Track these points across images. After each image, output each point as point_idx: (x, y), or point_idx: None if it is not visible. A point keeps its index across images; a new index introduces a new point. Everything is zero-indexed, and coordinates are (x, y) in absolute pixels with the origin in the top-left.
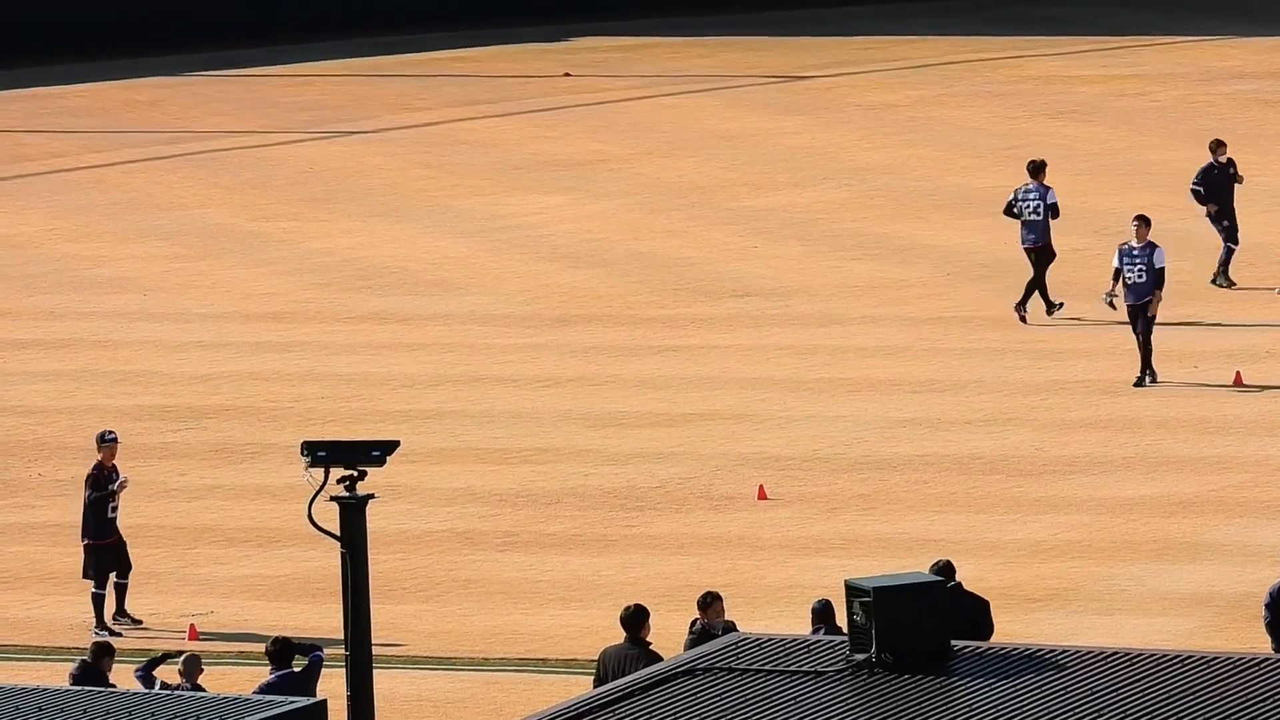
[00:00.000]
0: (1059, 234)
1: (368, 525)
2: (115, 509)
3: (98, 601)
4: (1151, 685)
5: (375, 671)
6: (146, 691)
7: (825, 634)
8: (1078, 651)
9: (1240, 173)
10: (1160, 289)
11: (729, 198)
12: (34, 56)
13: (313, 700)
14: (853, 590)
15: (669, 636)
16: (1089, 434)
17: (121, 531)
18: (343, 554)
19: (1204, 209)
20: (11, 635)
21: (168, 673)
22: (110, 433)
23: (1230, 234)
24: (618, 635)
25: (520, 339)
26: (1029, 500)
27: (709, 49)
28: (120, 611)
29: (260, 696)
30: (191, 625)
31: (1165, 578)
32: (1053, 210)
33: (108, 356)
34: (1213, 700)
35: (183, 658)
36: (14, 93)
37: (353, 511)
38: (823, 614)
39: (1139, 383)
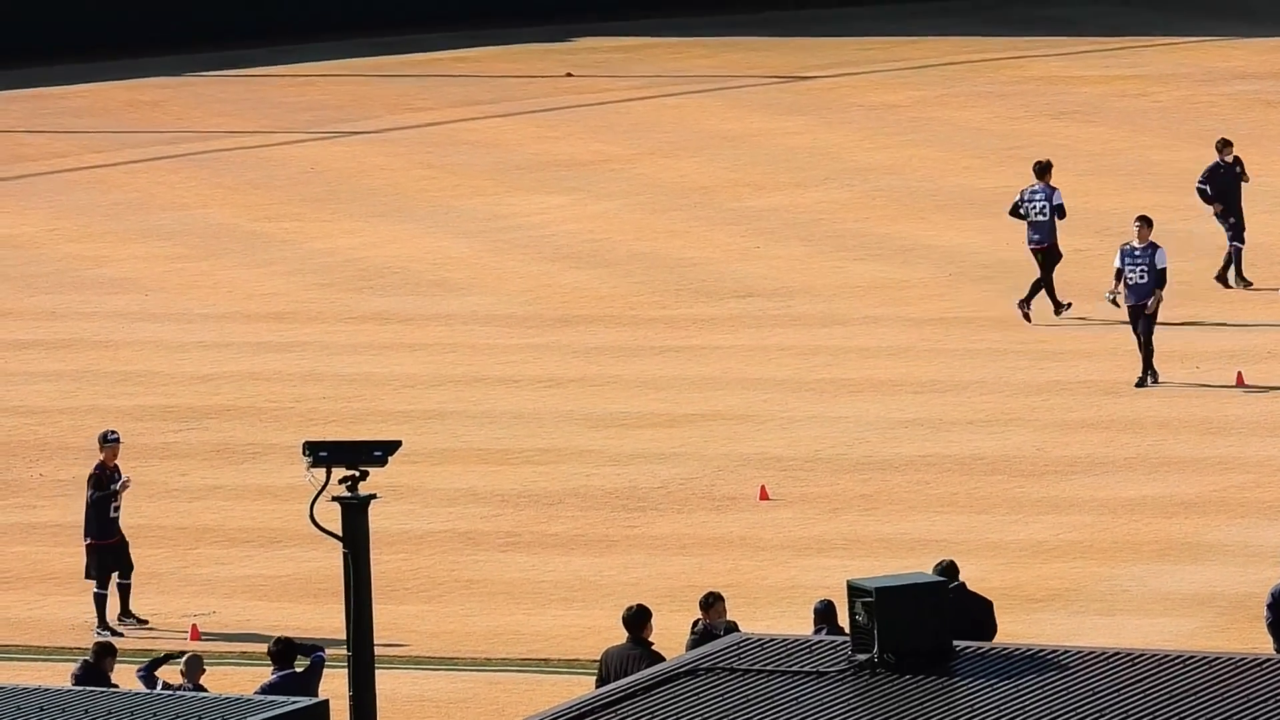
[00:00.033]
0: (1063, 234)
1: (370, 525)
2: (118, 509)
3: (100, 602)
4: (1153, 686)
5: (377, 672)
6: (148, 692)
7: (827, 634)
8: (1079, 652)
9: (1247, 172)
10: (1161, 289)
11: (731, 198)
12: (35, 56)
13: (315, 701)
14: (855, 590)
15: (671, 637)
16: (1091, 434)
17: (124, 531)
18: (345, 554)
19: (1210, 207)
20: (13, 635)
21: (170, 673)
22: (113, 433)
23: (1236, 232)
24: (620, 635)
25: (522, 339)
26: (1031, 501)
27: (710, 49)
28: (125, 612)
29: (262, 697)
30: (193, 625)
31: (1167, 578)
32: (1058, 211)
33: (109, 357)
34: (1214, 701)
35: (185, 658)
36: (15, 93)
37: (354, 512)
38: (825, 614)
39: (1141, 383)
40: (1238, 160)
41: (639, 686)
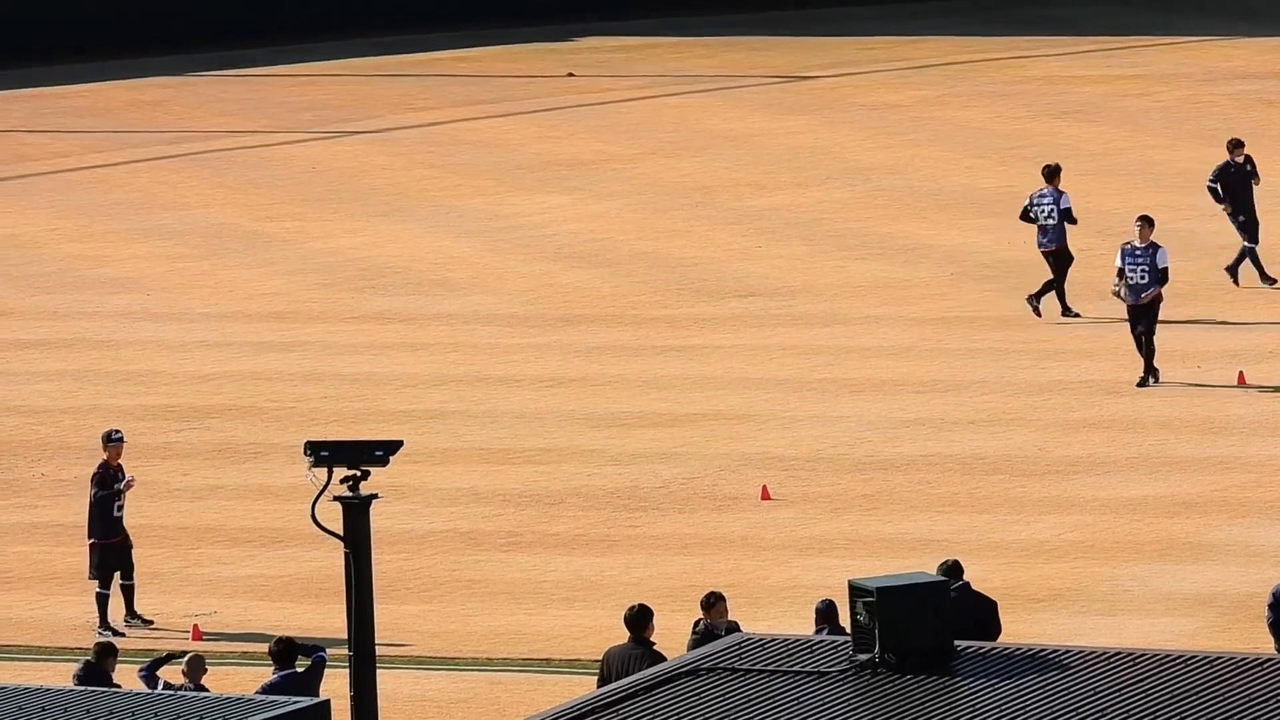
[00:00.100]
0: (1066, 235)
1: (371, 525)
2: (121, 508)
3: (102, 602)
4: (1155, 685)
5: (379, 672)
6: (150, 692)
7: (829, 634)
8: (1081, 652)
9: (1259, 172)
10: (1162, 288)
11: (732, 197)
12: (36, 56)
13: (316, 700)
14: (856, 590)
15: (672, 637)
16: (1092, 434)
17: (127, 531)
18: (346, 554)
19: (1220, 206)
20: (14, 635)
21: (171, 673)
22: (116, 432)
23: (1247, 231)
24: (621, 635)
25: (523, 339)
26: (1032, 500)
27: (712, 49)
28: (130, 613)
29: (263, 697)
30: (195, 625)
31: (1168, 578)
32: (1066, 216)
33: (110, 356)
34: (1216, 700)
35: (186, 658)
36: (16, 92)
37: (356, 511)
38: (826, 614)
39: (1142, 383)
40: (1249, 160)
41: (640, 686)
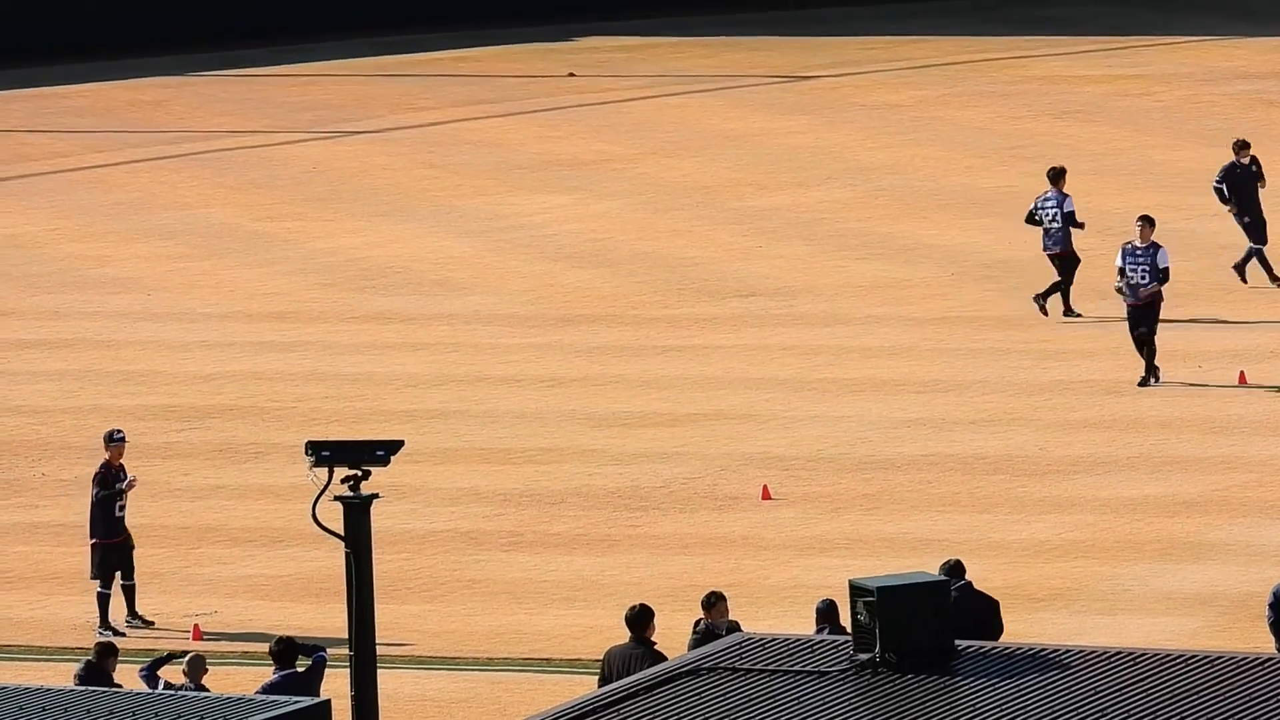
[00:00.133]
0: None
1: (372, 525)
2: (123, 508)
3: (103, 601)
4: (1155, 685)
5: (379, 671)
6: (150, 692)
7: (829, 634)
8: (1081, 651)
9: (1264, 174)
10: (1161, 287)
11: (733, 197)
12: (37, 56)
13: (316, 700)
14: (857, 590)
15: (673, 636)
16: (1093, 434)
17: (129, 531)
18: (347, 554)
19: (1226, 207)
20: (15, 635)
21: (172, 673)
22: (119, 432)
23: (1253, 232)
24: (622, 635)
25: (524, 339)
26: (1033, 500)
27: (712, 49)
28: (132, 613)
29: (264, 697)
30: (195, 625)
31: (1169, 577)
32: (1069, 219)
33: (111, 356)
34: (1216, 700)
35: (187, 658)
36: (17, 92)
37: (357, 511)
38: (827, 614)
39: (1143, 382)
40: (1255, 161)
41: (641, 686)
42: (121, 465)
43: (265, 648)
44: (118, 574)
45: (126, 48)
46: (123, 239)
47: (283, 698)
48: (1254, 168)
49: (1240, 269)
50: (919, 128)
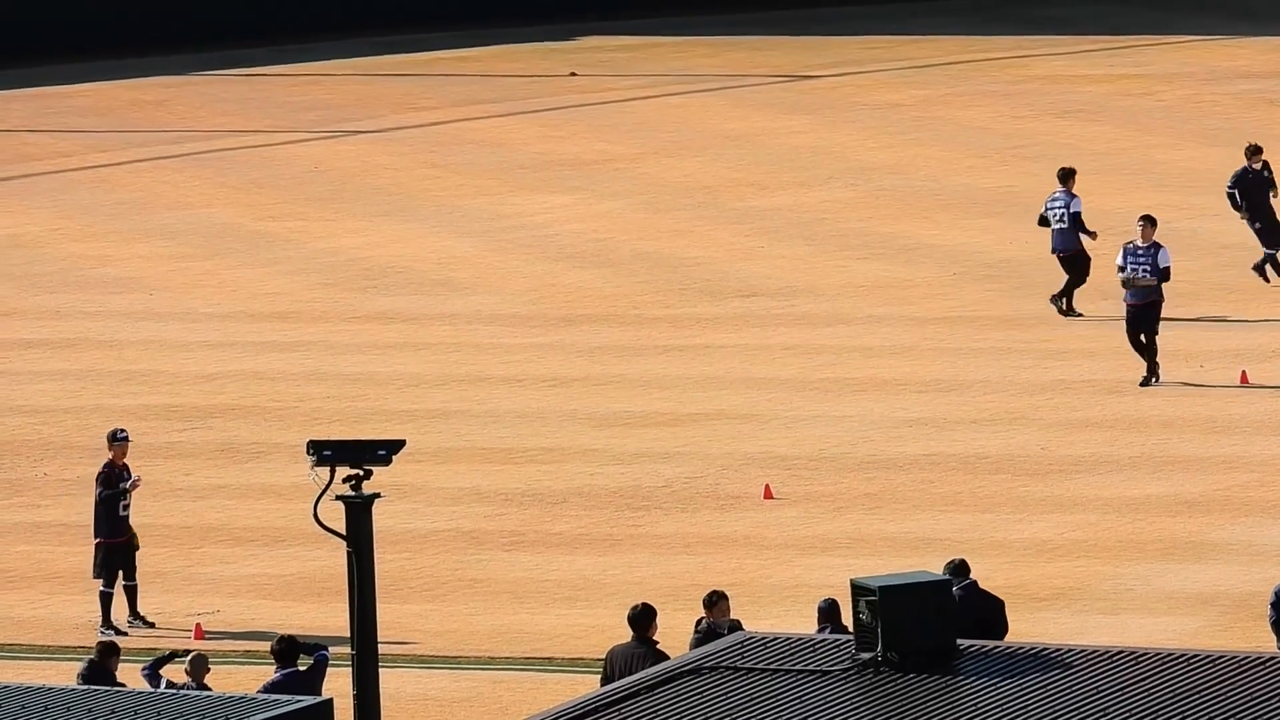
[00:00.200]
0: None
1: (373, 524)
2: (127, 507)
3: (106, 600)
4: (1157, 684)
5: (381, 670)
6: (152, 691)
7: (831, 633)
8: (1083, 651)
9: (1276, 179)
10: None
11: (734, 197)
12: (38, 56)
13: (318, 699)
14: (858, 589)
15: (675, 635)
16: (1095, 433)
17: (134, 530)
18: (348, 553)
19: (1238, 214)
20: (17, 634)
21: (174, 672)
22: (122, 431)
23: (1266, 237)
24: (623, 634)
25: (526, 339)
26: (1035, 500)
27: (714, 49)
28: (133, 614)
29: (266, 696)
30: (197, 624)
31: (1171, 577)
32: (1075, 219)
33: (113, 356)
34: (1218, 699)
35: (189, 657)
36: (18, 92)
37: (358, 511)
38: (829, 613)
39: (1145, 382)
40: (1266, 166)
41: (642, 685)
42: (125, 465)
43: (267, 647)
44: (120, 573)
45: (127, 48)
46: (124, 239)
47: (285, 697)
48: (1265, 173)
49: (1261, 269)
50: (920, 127)
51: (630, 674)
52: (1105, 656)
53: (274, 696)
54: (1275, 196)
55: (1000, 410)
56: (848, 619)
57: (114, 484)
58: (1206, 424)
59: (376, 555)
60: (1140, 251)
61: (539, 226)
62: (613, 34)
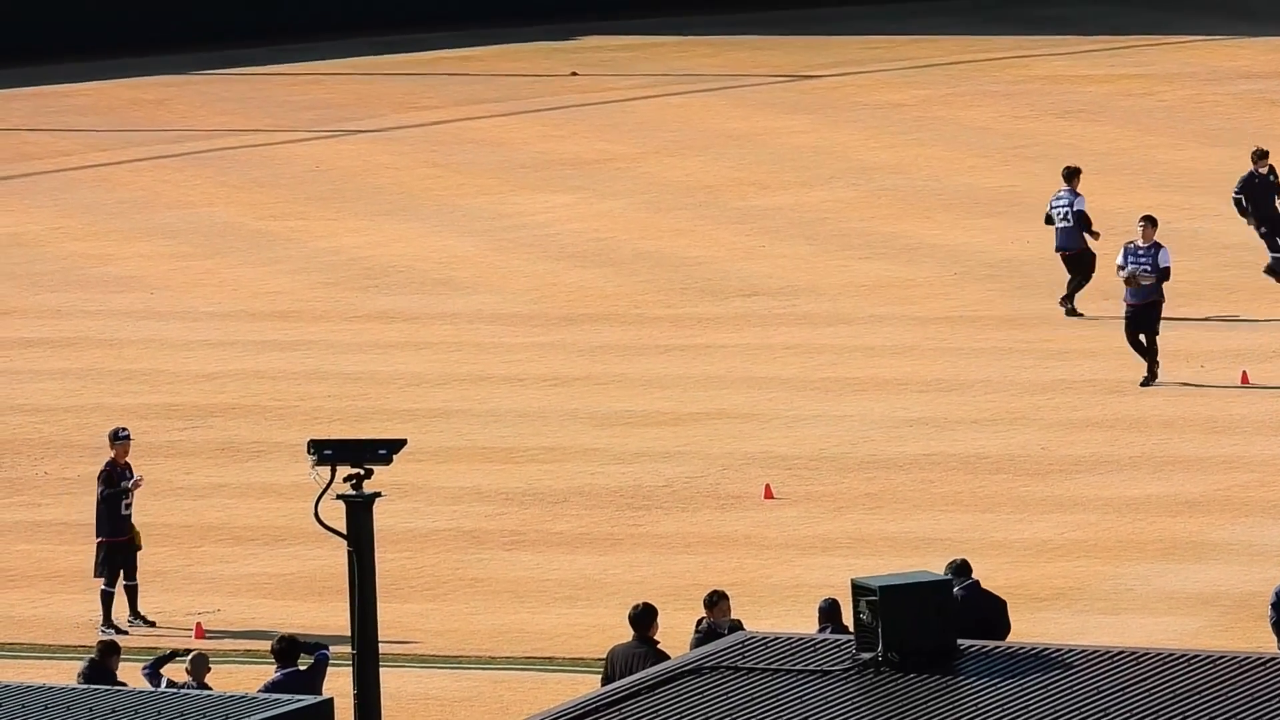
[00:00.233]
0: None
1: (374, 524)
2: (129, 506)
3: (107, 599)
4: (1157, 685)
5: (382, 670)
6: (153, 690)
7: (832, 633)
8: (1084, 651)
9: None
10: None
11: (736, 197)
12: (39, 55)
13: (319, 699)
14: (859, 589)
15: (675, 635)
16: (1095, 433)
17: (136, 529)
18: (349, 552)
19: (1245, 220)
20: (17, 633)
21: (175, 671)
22: (124, 430)
23: (1272, 242)
24: (624, 634)
25: (527, 338)
26: (1035, 500)
27: (715, 48)
28: (134, 614)
29: (266, 695)
30: (198, 623)
31: (1171, 577)
32: (1079, 218)
33: (114, 355)
34: (1218, 700)
35: (190, 656)
36: (19, 91)
37: (359, 510)
38: (829, 613)
39: (1146, 382)
40: (1273, 170)
41: (643, 685)
42: (127, 463)
43: (267, 646)
44: (120, 574)
45: (127, 47)
46: (125, 238)
47: (285, 696)
48: (1271, 177)
49: (1275, 272)
50: (922, 127)
51: (631, 674)
52: (1106, 657)
53: (274, 696)
54: None
55: (1001, 410)
56: (848, 619)
57: (115, 483)
58: (1207, 424)
59: (377, 554)
60: (1141, 251)
61: (540, 226)
62: (614, 33)
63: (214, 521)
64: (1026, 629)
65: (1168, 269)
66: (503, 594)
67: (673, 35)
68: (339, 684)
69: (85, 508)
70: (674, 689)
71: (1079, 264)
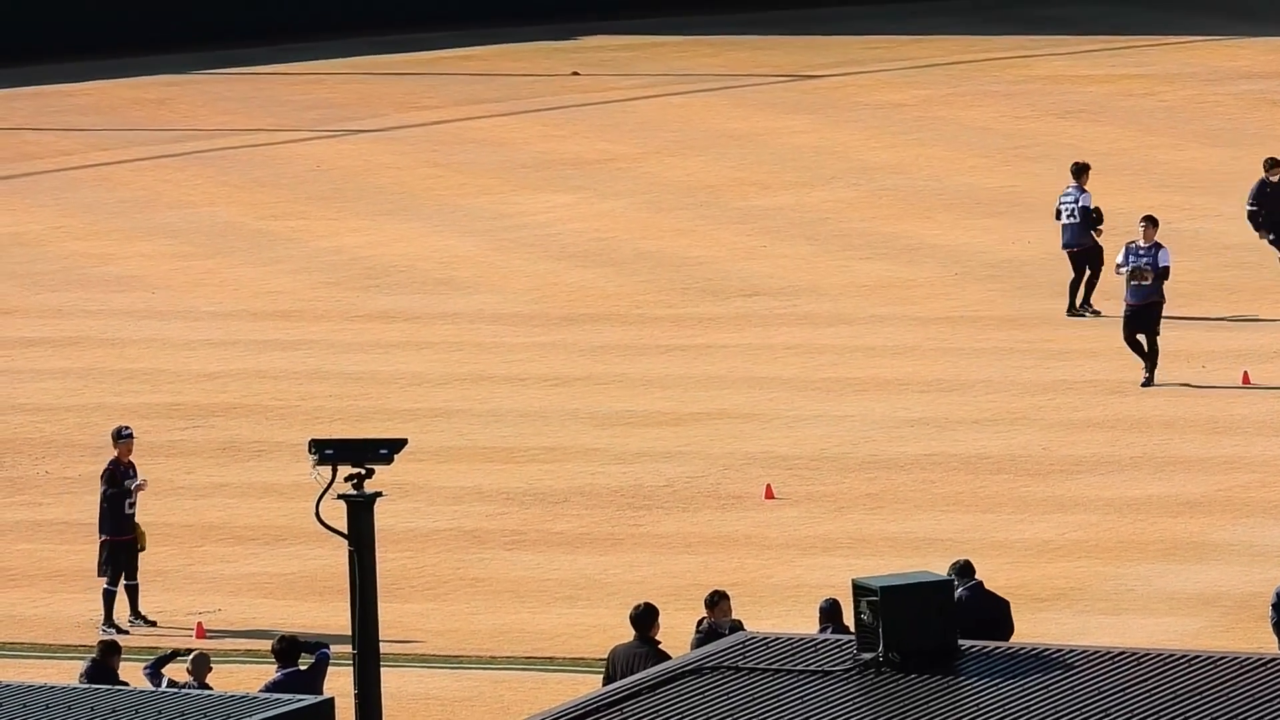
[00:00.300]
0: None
1: (375, 523)
2: (133, 505)
3: (109, 598)
4: (1158, 685)
5: (382, 670)
6: (154, 689)
7: (833, 633)
8: (1085, 651)
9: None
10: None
11: (737, 197)
12: (40, 55)
13: (320, 698)
14: (860, 589)
15: (676, 635)
16: (1096, 434)
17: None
18: (350, 552)
19: (1259, 234)
20: (18, 633)
21: (176, 671)
22: (126, 428)
23: None
24: (625, 634)
25: (528, 338)
26: (1036, 500)
27: (716, 48)
28: (135, 614)
29: (267, 695)
30: (199, 623)
31: (1172, 578)
32: (1084, 213)
33: (115, 354)
34: (1219, 700)
35: (191, 656)
36: (21, 90)
37: (360, 509)
38: (830, 613)
39: (1147, 383)
40: None
41: (643, 685)
42: (130, 462)
43: (268, 646)
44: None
45: (127, 47)
46: (127, 237)
47: (286, 696)
48: None
49: None
50: (923, 127)
51: (632, 674)
52: (1107, 657)
53: (275, 696)
54: None
55: (1002, 410)
56: (849, 619)
57: (119, 482)
58: (1208, 424)
59: (378, 554)
60: (1142, 251)
61: (541, 226)
62: (615, 33)
63: (215, 521)
64: (1027, 629)
65: (1167, 269)
66: (503, 594)
67: (674, 35)
68: (340, 684)
69: (86, 507)
70: (675, 689)
71: (1087, 261)
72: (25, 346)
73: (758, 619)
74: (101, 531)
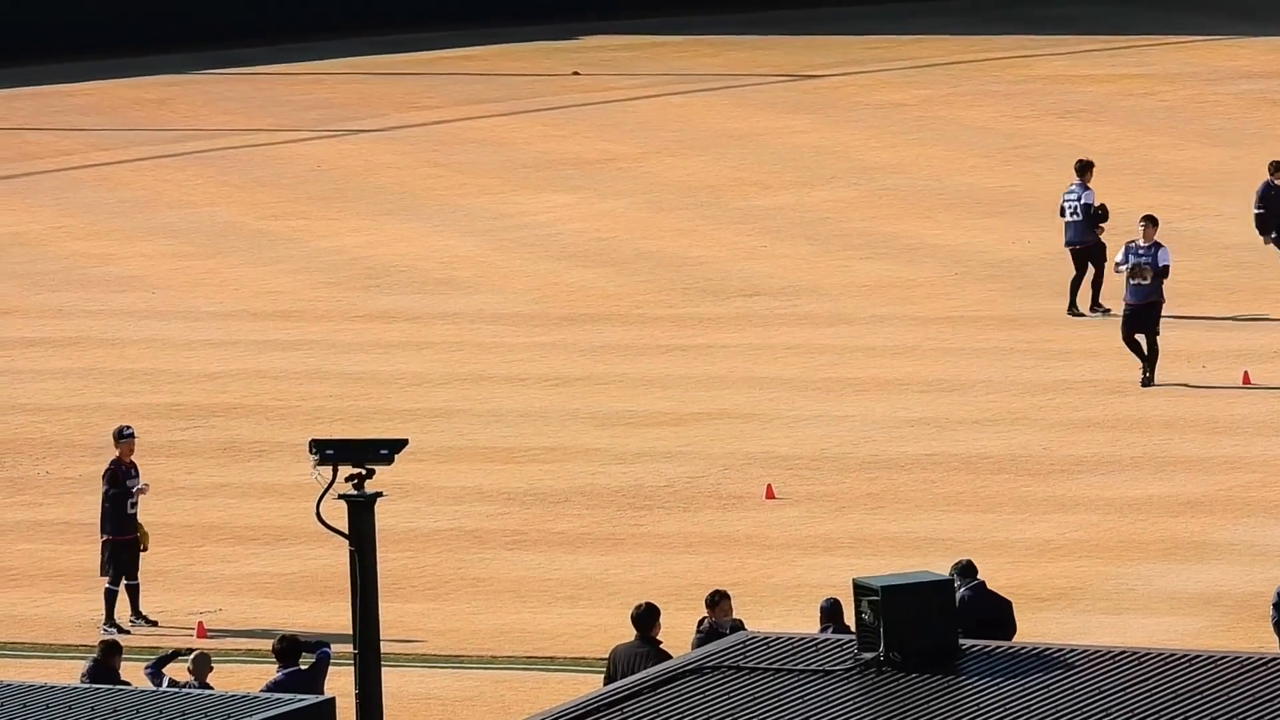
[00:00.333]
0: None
1: (376, 523)
2: (135, 504)
3: (110, 598)
4: (1159, 685)
5: (383, 669)
6: (154, 689)
7: (833, 633)
8: (1085, 651)
9: None
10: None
11: (737, 197)
12: (40, 55)
13: (320, 698)
14: (861, 589)
15: (677, 635)
16: (1097, 434)
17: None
18: (351, 552)
19: (1263, 239)
20: (19, 633)
21: (177, 670)
22: (128, 428)
23: None
24: (626, 634)
25: (528, 338)
26: (1037, 500)
27: (717, 48)
28: (135, 613)
29: (268, 694)
30: (200, 623)
31: (1173, 577)
32: (1085, 210)
33: (115, 354)
34: (1220, 700)
35: (192, 656)
36: (21, 90)
37: (361, 509)
38: (831, 613)
39: (1147, 383)
40: None
41: (644, 685)
42: (132, 462)
43: (269, 645)
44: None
45: (127, 47)
46: (127, 237)
47: (287, 695)
48: None
49: None
50: (923, 127)
51: (633, 673)
52: (1107, 657)
53: (276, 695)
54: None
55: (1002, 410)
56: (850, 619)
57: (121, 481)
58: (1209, 424)
59: (379, 554)
60: (1141, 251)
61: (541, 225)
62: (615, 33)
63: (216, 521)
64: (1028, 629)
65: (1167, 268)
66: (504, 594)
67: (674, 35)
68: (341, 683)
69: (87, 507)
70: (676, 689)
71: (1090, 259)
72: (25, 346)
73: (758, 619)
74: (103, 531)
